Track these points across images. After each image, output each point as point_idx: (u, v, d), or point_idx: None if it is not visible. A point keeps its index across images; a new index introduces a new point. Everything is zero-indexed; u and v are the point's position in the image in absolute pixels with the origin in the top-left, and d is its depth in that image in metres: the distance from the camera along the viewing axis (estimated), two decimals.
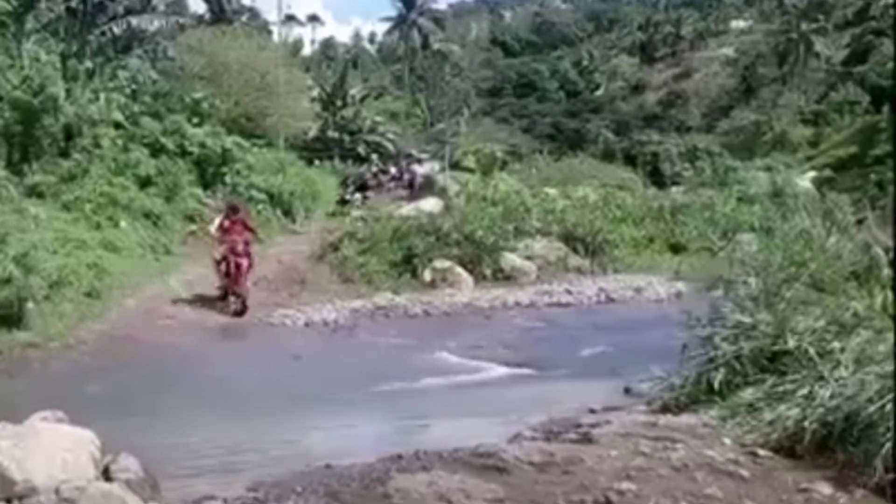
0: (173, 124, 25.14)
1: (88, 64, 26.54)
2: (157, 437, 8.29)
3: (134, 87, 27.54)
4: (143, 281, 18.24)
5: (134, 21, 29.63)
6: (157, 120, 25.19)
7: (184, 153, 24.68)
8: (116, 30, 29.15)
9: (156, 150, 23.90)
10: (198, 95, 28.75)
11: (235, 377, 12.04)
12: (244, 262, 16.69)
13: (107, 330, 14.81)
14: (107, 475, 6.15)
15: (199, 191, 24.29)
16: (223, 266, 16.65)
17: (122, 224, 20.80)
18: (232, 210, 17.69)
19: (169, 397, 10.44)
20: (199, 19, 50.22)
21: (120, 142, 23.50)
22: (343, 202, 32.89)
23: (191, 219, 22.78)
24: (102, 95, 24.44)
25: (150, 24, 30.91)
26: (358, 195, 33.62)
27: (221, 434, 8.64)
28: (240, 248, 16.64)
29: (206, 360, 13.46)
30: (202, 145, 25.19)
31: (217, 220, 17.64)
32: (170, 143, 24.31)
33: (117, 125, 24.08)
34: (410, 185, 37.29)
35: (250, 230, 17.57)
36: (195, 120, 26.65)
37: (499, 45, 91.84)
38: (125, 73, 28.28)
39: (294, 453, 7.70)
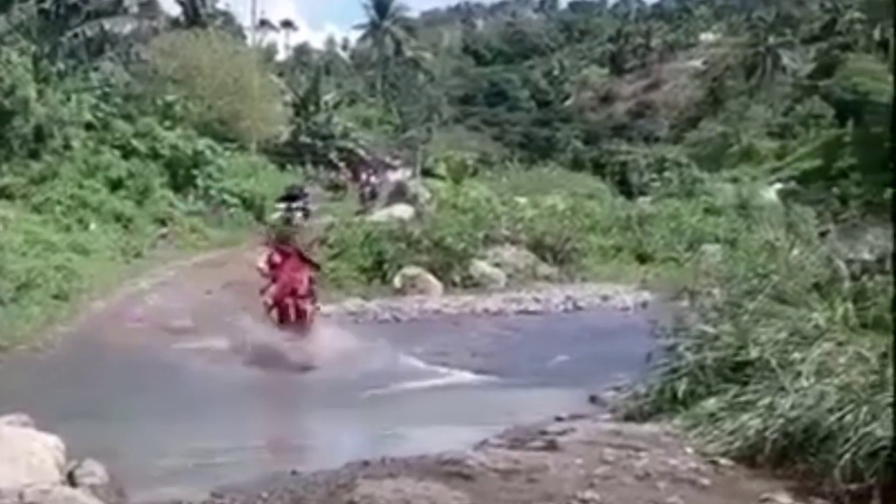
0: (145, 127, 25.12)
1: (60, 65, 26.41)
2: (123, 442, 8.28)
3: (106, 89, 27.41)
4: (112, 283, 18.19)
5: (107, 23, 29.48)
6: (129, 122, 25.18)
7: (155, 156, 24.68)
8: (89, 32, 29.05)
9: (127, 153, 23.89)
10: (170, 98, 28.68)
11: (203, 381, 11.96)
12: (309, 306, 13.91)
13: (75, 333, 14.77)
14: (72, 480, 6.14)
15: (170, 193, 24.30)
16: (277, 312, 13.69)
17: (93, 226, 20.78)
18: (281, 241, 15.00)
19: (136, 401, 10.38)
20: (174, 23, 49.95)
21: (91, 144, 23.48)
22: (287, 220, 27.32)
23: (162, 222, 22.74)
24: (74, 97, 24.33)
25: (123, 26, 30.74)
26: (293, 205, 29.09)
27: (188, 439, 8.58)
28: (302, 288, 13.75)
29: (173, 363, 13.27)
30: (174, 148, 25.22)
31: (264, 254, 14.37)
32: (141, 146, 24.31)
33: (89, 127, 24.00)
34: (373, 195, 36.18)
35: (310, 263, 14.60)
36: (167, 123, 26.66)
37: (471, 54, 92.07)
38: (97, 75, 28.15)
39: (260, 459, 7.76)
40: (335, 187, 39.72)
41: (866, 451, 5.20)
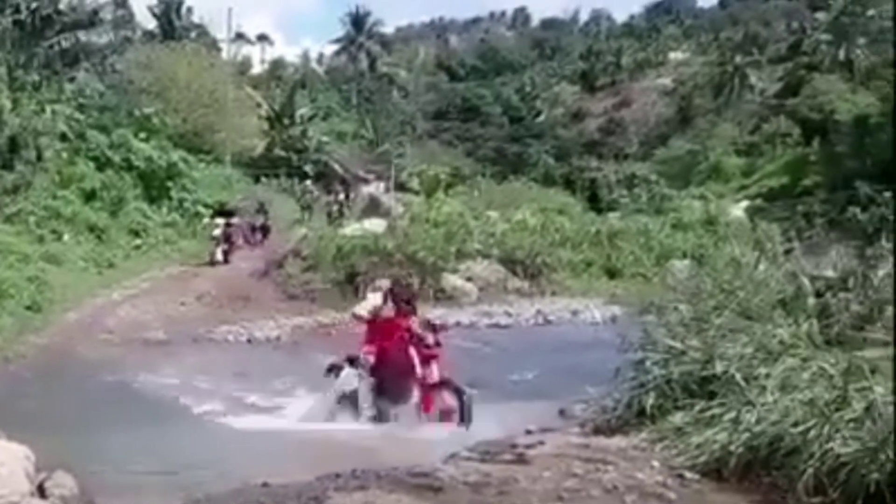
0: (120, 138, 25.04)
1: (35, 76, 26.31)
2: (94, 454, 8.24)
3: (81, 100, 27.37)
4: (85, 295, 18.16)
5: (82, 35, 29.43)
6: (104, 133, 25.08)
7: (130, 167, 24.61)
8: (64, 43, 29.03)
9: (101, 164, 23.83)
10: (145, 110, 28.61)
11: (175, 393, 11.97)
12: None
13: (47, 344, 14.75)
14: (42, 491, 6.08)
15: (144, 205, 24.22)
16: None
17: (66, 237, 20.73)
18: (397, 292, 10.77)
19: (107, 413, 10.37)
20: (150, 35, 49.90)
21: (65, 155, 23.38)
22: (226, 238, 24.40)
23: (135, 233, 22.68)
24: (49, 108, 24.24)
25: (99, 38, 30.69)
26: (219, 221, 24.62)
27: (159, 450, 8.59)
28: (429, 339, 10.18)
29: (145, 375, 13.32)
30: (148, 160, 25.14)
31: (368, 301, 11.01)
32: (116, 157, 24.25)
33: (63, 138, 23.91)
34: (340, 213, 34.64)
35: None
36: (142, 134, 26.52)
37: (444, 70, 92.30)
38: (72, 87, 28.11)
39: (231, 470, 7.60)
40: (303, 208, 36.20)
41: (829, 466, 5.20)
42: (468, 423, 9.37)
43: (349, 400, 10.02)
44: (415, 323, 10.21)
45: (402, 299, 10.41)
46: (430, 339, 10.09)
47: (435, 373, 9.99)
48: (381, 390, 9.92)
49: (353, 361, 10.15)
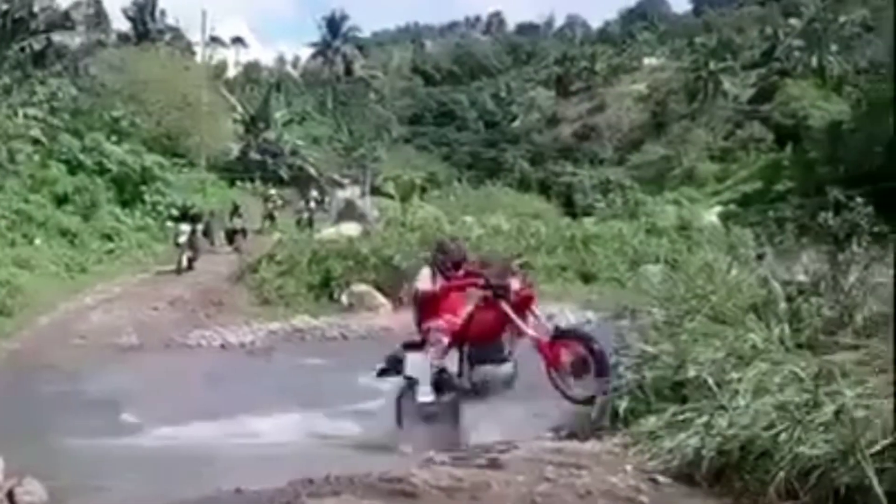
0: (92, 141, 24.89)
1: (6, 79, 26.14)
2: (63, 460, 8.21)
3: (53, 103, 27.16)
4: (57, 299, 18.04)
5: (55, 37, 29.24)
6: (76, 137, 24.94)
7: (102, 171, 24.45)
8: (36, 45, 28.82)
9: (74, 168, 23.67)
10: (118, 113, 28.43)
11: (146, 399, 11.76)
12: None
13: (18, 349, 14.67)
14: (11, 498, 6.07)
15: (117, 209, 24.08)
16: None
17: (38, 242, 20.58)
18: (445, 255, 9.17)
19: (78, 419, 10.24)
20: (123, 38, 49.62)
21: (37, 158, 23.18)
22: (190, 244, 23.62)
23: (108, 237, 22.54)
24: (20, 111, 24.07)
25: (72, 40, 30.50)
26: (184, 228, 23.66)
27: (129, 457, 8.54)
28: (514, 283, 8.53)
29: (117, 381, 13.14)
30: (121, 163, 24.99)
31: (426, 276, 9.14)
32: (88, 161, 24.09)
33: (35, 141, 23.73)
34: (310, 222, 33.80)
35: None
36: (115, 138, 26.38)
37: (420, 74, 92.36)
38: (44, 89, 27.87)
39: (203, 477, 7.48)
40: (267, 216, 34.35)
41: (800, 469, 5.21)
42: (607, 378, 7.73)
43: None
44: (491, 273, 8.86)
45: (452, 261, 9.06)
46: (515, 283, 8.50)
47: (540, 317, 8.56)
48: (474, 360, 8.62)
49: (414, 346, 9.01)
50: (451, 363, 8.59)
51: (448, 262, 8.98)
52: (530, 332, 8.22)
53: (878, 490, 4.41)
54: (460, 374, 8.60)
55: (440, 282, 8.85)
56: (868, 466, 4.63)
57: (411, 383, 8.83)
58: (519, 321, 8.28)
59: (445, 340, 8.68)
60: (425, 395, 8.63)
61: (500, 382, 8.56)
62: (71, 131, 25.14)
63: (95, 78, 32.28)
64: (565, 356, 8.08)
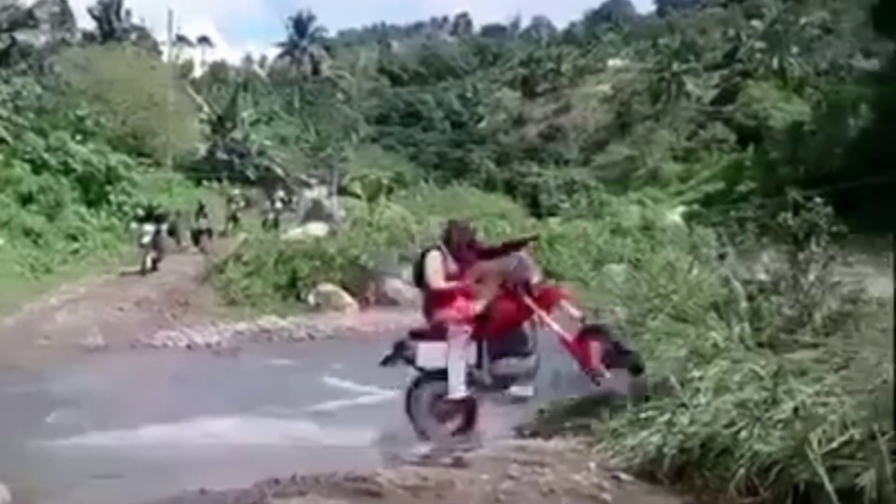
0: (57, 141, 24.66)
1: None
2: (28, 462, 8.19)
3: (18, 102, 26.86)
4: (21, 300, 17.90)
5: (19, 35, 28.93)
6: (41, 136, 24.69)
7: (67, 170, 24.24)
8: (0, 44, 28.43)
9: (38, 167, 23.44)
10: (83, 112, 28.20)
11: (111, 400, 11.72)
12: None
13: None
14: None
15: (82, 209, 23.87)
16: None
17: (1, 242, 20.39)
18: (457, 238, 8.63)
19: (41, 421, 10.21)
20: (89, 37, 49.18)
21: (1, 157, 22.94)
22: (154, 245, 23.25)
23: (73, 237, 22.36)
24: None
25: (36, 39, 30.19)
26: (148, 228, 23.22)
27: (94, 458, 8.44)
28: (532, 275, 8.32)
29: (82, 381, 13.05)
30: (87, 163, 24.78)
31: (436, 260, 8.47)
32: (53, 160, 23.87)
33: None
34: (275, 223, 33.02)
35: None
36: (80, 137, 26.16)
37: (387, 75, 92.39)
38: (8, 88, 27.56)
39: (168, 478, 7.48)
40: (230, 218, 33.43)
41: (760, 466, 5.26)
42: (641, 372, 7.48)
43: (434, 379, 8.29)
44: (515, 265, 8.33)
45: (466, 241, 8.57)
46: (535, 276, 8.28)
47: (571, 312, 8.09)
48: (495, 352, 8.17)
49: (422, 336, 8.45)
50: (470, 355, 8.17)
51: (461, 242, 8.51)
52: (556, 327, 7.91)
53: (829, 487, 4.47)
54: (479, 367, 8.18)
55: (452, 265, 8.36)
56: (818, 463, 4.68)
57: (426, 375, 8.37)
58: (545, 316, 7.94)
59: (466, 334, 8.14)
60: (458, 391, 8.05)
61: (523, 376, 8.10)
62: (35, 130, 24.89)
63: (60, 77, 32.00)
64: (594, 351, 7.76)
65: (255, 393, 11.95)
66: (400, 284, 21.44)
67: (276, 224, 33.20)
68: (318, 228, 27.19)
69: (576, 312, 8.05)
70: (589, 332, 7.82)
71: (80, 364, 14.42)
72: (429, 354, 8.22)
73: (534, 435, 7.50)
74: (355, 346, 16.59)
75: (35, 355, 14.58)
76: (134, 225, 23.96)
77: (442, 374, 8.09)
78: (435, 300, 8.35)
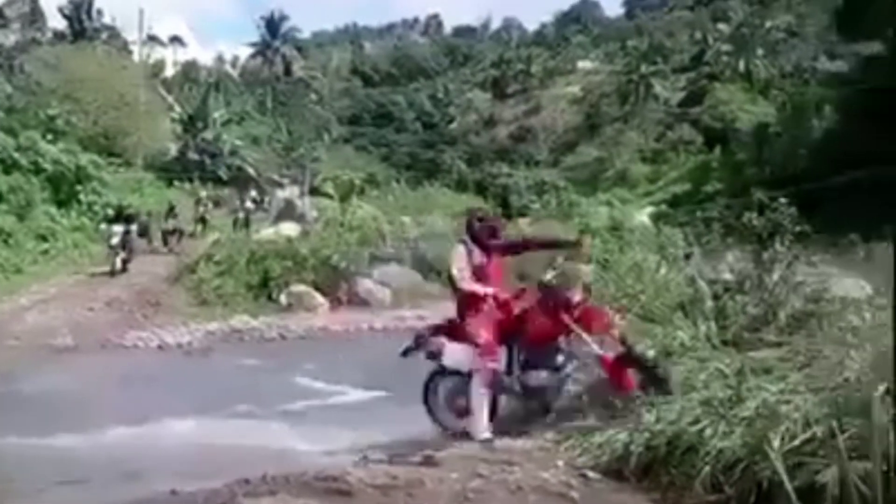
0: (27, 140, 24.46)
1: None
2: None
3: None
4: None
5: None
6: (11, 136, 24.47)
7: (38, 170, 24.07)
8: None
9: (8, 167, 23.23)
10: (53, 112, 28.01)
11: (81, 400, 11.69)
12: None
13: None
14: None
15: (53, 209, 23.72)
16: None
17: None
18: (482, 219, 8.28)
19: (11, 422, 10.09)
20: (59, 36, 48.77)
21: None
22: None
23: (43, 238, 22.22)
24: None
25: (6, 38, 29.95)
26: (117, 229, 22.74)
27: (63, 459, 8.48)
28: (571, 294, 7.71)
29: (52, 382, 13.01)
30: (57, 163, 24.62)
31: (461, 255, 7.97)
32: (23, 160, 23.67)
33: None
34: (246, 222, 32.77)
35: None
36: (50, 136, 25.98)
37: (359, 75, 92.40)
38: None
39: (138, 478, 7.54)
40: (199, 220, 32.80)
41: (724, 463, 5.30)
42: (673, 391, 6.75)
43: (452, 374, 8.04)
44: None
45: (490, 229, 8.16)
46: (577, 295, 7.64)
47: (614, 336, 7.44)
48: (526, 363, 7.78)
49: (442, 330, 8.21)
50: (499, 361, 7.78)
51: (486, 231, 8.06)
52: (595, 347, 7.41)
53: (788, 486, 4.51)
54: (509, 373, 7.81)
55: (478, 256, 7.90)
56: (779, 461, 4.72)
57: (443, 369, 8.16)
58: (586, 336, 7.42)
59: (494, 364, 7.70)
60: (480, 435, 7.50)
61: (555, 389, 7.72)
62: (5, 129, 24.65)
63: (31, 76, 31.83)
64: (631, 377, 7.27)
65: (225, 393, 11.96)
66: (371, 285, 21.56)
67: (246, 223, 33.03)
68: (290, 228, 27.15)
69: (616, 339, 7.45)
70: (627, 357, 7.32)
71: (49, 364, 14.36)
72: (455, 356, 8.00)
73: (503, 433, 7.48)
74: (327, 347, 16.70)
75: (4, 356, 14.54)
76: (103, 226, 23.74)
77: (461, 373, 7.91)
78: (466, 304, 7.90)
